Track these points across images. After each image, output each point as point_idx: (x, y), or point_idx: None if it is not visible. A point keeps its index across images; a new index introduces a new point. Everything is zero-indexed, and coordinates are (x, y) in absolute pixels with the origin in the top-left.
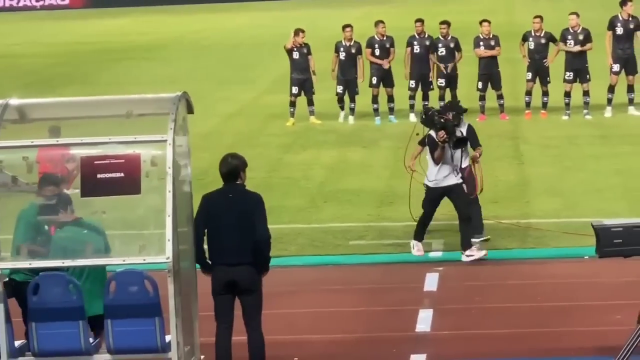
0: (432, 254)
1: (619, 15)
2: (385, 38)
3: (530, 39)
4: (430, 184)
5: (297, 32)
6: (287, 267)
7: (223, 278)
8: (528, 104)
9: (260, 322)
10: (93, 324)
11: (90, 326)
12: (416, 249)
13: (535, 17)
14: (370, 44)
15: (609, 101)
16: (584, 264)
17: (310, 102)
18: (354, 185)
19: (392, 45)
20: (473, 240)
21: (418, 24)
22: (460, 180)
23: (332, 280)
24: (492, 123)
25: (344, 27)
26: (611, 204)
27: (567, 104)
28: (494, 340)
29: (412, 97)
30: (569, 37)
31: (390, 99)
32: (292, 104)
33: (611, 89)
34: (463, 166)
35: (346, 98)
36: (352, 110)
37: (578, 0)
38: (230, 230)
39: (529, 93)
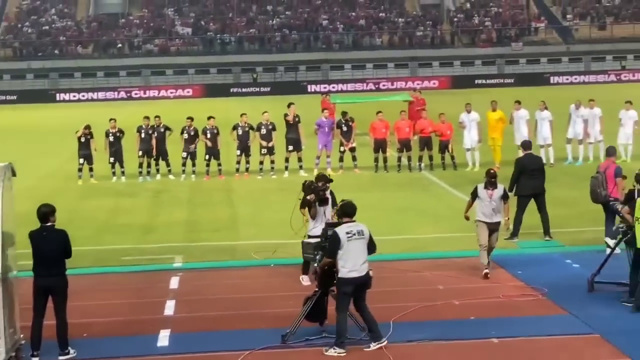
0: (175, 264)
1: (287, 112)
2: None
3: (239, 128)
4: (310, 233)
5: (87, 126)
6: (82, 275)
7: (41, 284)
8: (237, 170)
9: (65, 311)
10: None
11: None
12: (305, 280)
13: (242, 114)
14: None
15: (286, 168)
16: (272, 269)
17: (91, 169)
18: (126, 221)
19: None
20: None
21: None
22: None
23: (110, 283)
24: (217, 181)
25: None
26: (290, 231)
27: (261, 169)
28: (215, 320)
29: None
30: (262, 127)
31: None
32: (80, 170)
33: (287, 160)
34: (328, 217)
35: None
36: (122, 173)
37: (271, 102)
38: (45, 253)
39: (238, 162)
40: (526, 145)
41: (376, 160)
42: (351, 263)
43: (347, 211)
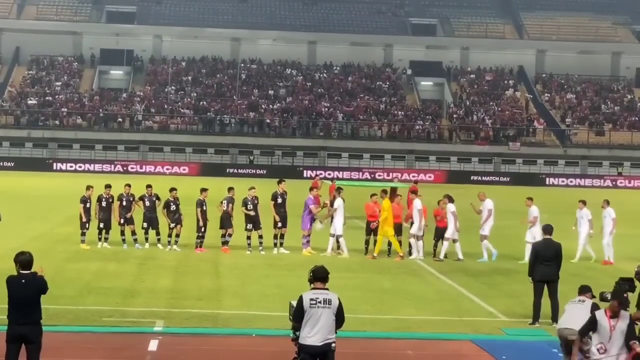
0: (156, 328)
1: (277, 189)
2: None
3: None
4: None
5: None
6: (60, 333)
7: (15, 332)
8: (223, 243)
9: None
10: None
11: None
12: None
13: (230, 188)
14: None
15: (275, 244)
16: (253, 339)
17: (83, 234)
18: (109, 284)
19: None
20: None
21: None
22: None
23: (88, 341)
24: (204, 253)
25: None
26: (274, 304)
27: (249, 244)
28: None
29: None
30: (248, 203)
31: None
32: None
33: (275, 237)
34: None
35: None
36: (106, 239)
37: (266, 184)
38: (22, 301)
39: (223, 236)
40: (545, 229)
41: (367, 243)
42: (309, 330)
43: (318, 276)
